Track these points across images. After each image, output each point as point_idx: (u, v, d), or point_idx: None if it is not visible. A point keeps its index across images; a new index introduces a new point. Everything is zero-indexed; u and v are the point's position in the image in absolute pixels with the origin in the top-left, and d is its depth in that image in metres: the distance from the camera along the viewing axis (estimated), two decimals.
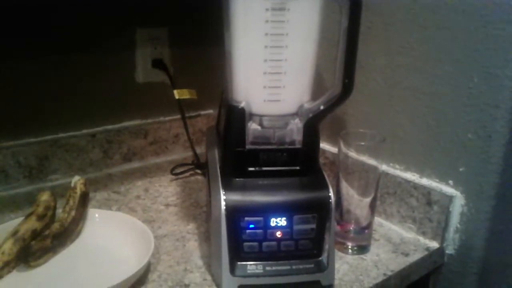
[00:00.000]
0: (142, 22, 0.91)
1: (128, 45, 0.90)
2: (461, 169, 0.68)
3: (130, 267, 0.57)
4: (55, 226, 0.63)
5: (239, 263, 0.57)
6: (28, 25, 0.77)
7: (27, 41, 0.78)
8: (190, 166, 0.92)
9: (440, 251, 0.70)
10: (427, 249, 0.69)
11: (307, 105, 0.59)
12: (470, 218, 0.68)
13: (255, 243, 0.57)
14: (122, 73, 0.91)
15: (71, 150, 0.86)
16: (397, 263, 0.65)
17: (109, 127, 0.91)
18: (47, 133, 0.84)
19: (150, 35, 0.93)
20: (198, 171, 0.91)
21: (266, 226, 0.57)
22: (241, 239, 0.57)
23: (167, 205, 0.79)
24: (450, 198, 0.68)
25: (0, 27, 0.75)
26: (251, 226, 0.57)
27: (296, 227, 0.58)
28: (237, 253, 0.57)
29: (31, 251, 0.58)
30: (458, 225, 0.69)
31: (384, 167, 0.76)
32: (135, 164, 0.94)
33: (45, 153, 0.83)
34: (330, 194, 0.59)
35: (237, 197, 0.57)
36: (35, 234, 0.61)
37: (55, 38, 0.81)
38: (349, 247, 0.68)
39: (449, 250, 0.70)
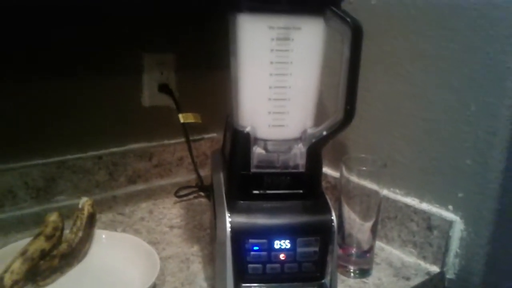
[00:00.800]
0: (149, 48, 0.93)
1: (135, 70, 0.93)
2: (460, 195, 0.69)
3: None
4: (63, 246, 0.64)
5: (243, 284, 0.58)
6: (35, 46, 0.80)
7: (35, 63, 0.80)
8: (194, 189, 0.93)
9: (441, 275, 0.71)
10: (428, 273, 0.70)
11: (310, 131, 0.61)
12: (470, 243, 0.69)
13: (259, 265, 0.58)
14: (129, 97, 0.93)
15: (77, 171, 0.87)
16: (398, 287, 0.66)
17: (115, 149, 0.92)
18: (54, 154, 0.85)
19: (157, 60, 0.95)
20: (202, 193, 0.93)
21: (270, 248, 0.58)
22: (246, 260, 0.58)
23: (171, 227, 0.80)
24: (450, 223, 0.69)
25: (7, 50, 0.77)
26: (256, 248, 0.58)
27: (299, 250, 0.59)
28: (242, 275, 0.58)
29: (40, 270, 0.59)
30: (458, 250, 0.70)
31: (384, 192, 0.77)
32: (140, 186, 0.95)
33: (52, 175, 0.85)
34: (332, 217, 0.60)
35: (242, 219, 0.59)
36: (44, 254, 0.62)
37: (63, 61, 0.83)
38: (351, 270, 0.69)
39: (450, 274, 0.71)
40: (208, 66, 1.00)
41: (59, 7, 0.80)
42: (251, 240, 0.58)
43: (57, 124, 0.85)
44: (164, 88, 0.96)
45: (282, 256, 0.59)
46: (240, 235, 0.58)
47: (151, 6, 0.90)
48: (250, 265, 0.58)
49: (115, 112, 0.92)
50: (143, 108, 0.95)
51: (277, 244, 0.59)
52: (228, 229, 0.58)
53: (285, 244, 0.59)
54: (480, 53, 0.65)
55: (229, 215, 0.58)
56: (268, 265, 0.58)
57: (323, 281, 0.60)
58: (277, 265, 0.59)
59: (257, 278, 0.58)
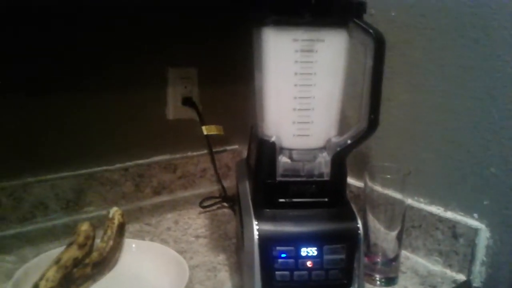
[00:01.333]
0: (173, 63, 0.96)
1: (160, 84, 0.96)
2: (485, 202, 0.69)
3: None
4: (94, 255, 0.66)
5: None
6: (66, 63, 0.83)
7: (69, 78, 0.83)
8: (218, 199, 0.95)
9: (467, 284, 0.70)
10: (454, 281, 0.70)
11: (334, 140, 0.62)
12: (496, 251, 0.69)
13: (287, 272, 0.59)
14: (154, 111, 0.96)
15: (105, 183, 0.90)
16: None
17: (141, 161, 0.95)
18: (83, 167, 0.88)
19: (181, 74, 0.98)
20: (225, 204, 0.94)
21: (297, 255, 0.59)
22: (273, 268, 0.59)
23: (197, 237, 0.81)
24: (476, 231, 0.69)
25: (42, 66, 0.81)
26: (283, 255, 0.59)
27: (326, 257, 0.60)
28: (270, 282, 0.59)
29: (73, 278, 0.61)
30: (484, 258, 0.70)
31: (409, 201, 0.77)
32: (165, 197, 0.98)
33: (81, 186, 0.87)
34: (358, 225, 0.61)
35: (269, 227, 0.60)
36: (77, 262, 0.63)
37: (91, 78, 0.86)
38: (377, 279, 0.69)
39: (476, 283, 0.71)
40: (230, 79, 1.03)
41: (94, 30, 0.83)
42: (278, 248, 0.59)
43: (86, 138, 0.88)
44: (187, 102, 0.99)
45: (309, 264, 0.59)
46: (267, 243, 0.59)
47: (176, 22, 0.93)
48: (278, 272, 0.59)
49: (140, 125, 0.94)
50: (168, 121, 0.98)
51: (304, 251, 0.59)
52: (256, 236, 0.59)
53: (312, 251, 0.59)
54: (501, 61, 0.65)
55: (256, 223, 0.60)
56: (296, 272, 0.59)
57: None
58: (305, 272, 0.59)
59: (285, 285, 0.59)
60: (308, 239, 0.60)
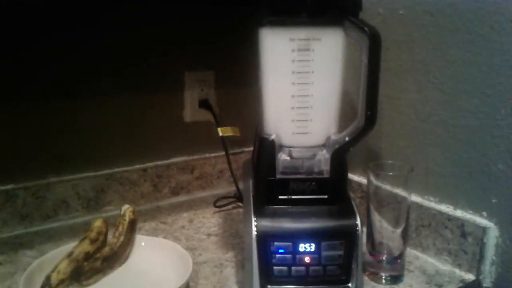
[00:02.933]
0: (190, 67, 0.99)
1: (178, 88, 0.99)
2: (494, 200, 0.68)
3: None
4: (106, 249, 0.69)
5: (269, 286, 0.60)
6: (88, 66, 0.87)
7: (87, 84, 0.88)
8: (232, 199, 0.97)
9: (477, 283, 0.69)
10: (462, 281, 0.69)
11: (333, 137, 0.63)
12: (506, 250, 0.67)
13: (285, 268, 0.60)
14: (172, 113, 0.99)
15: (124, 183, 0.94)
16: None
17: (159, 162, 0.98)
18: (103, 167, 0.92)
19: (198, 78, 1.01)
20: (240, 204, 0.96)
21: (295, 251, 0.60)
22: (271, 263, 0.60)
23: (208, 235, 0.83)
24: (484, 230, 0.68)
25: (66, 69, 0.85)
26: (281, 250, 0.60)
27: (324, 253, 0.60)
28: (268, 277, 0.60)
29: (84, 271, 0.64)
30: (494, 257, 0.68)
31: (418, 199, 0.77)
32: (182, 198, 1.00)
33: (101, 186, 0.91)
34: (357, 222, 0.61)
35: (267, 223, 0.61)
36: (88, 256, 0.67)
37: (112, 81, 0.90)
38: (382, 277, 0.69)
39: (486, 283, 0.69)
40: (246, 81, 1.04)
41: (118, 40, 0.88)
42: (276, 243, 0.60)
43: (106, 140, 0.92)
44: (204, 104, 1.02)
45: (307, 259, 0.60)
46: (265, 238, 0.60)
47: (192, 26, 0.96)
48: (276, 268, 0.60)
49: (159, 127, 0.98)
50: (185, 124, 1.01)
51: (301, 247, 0.60)
52: (254, 232, 0.60)
53: (310, 247, 0.60)
54: (507, 56, 0.64)
55: (255, 219, 0.61)
56: (294, 268, 0.60)
57: (348, 284, 0.60)
58: (302, 268, 0.60)
59: (283, 280, 0.60)
60: (306, 235, 0.61)
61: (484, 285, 0.69)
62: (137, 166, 0.96)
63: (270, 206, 0.63)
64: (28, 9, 0.79)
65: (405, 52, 0.78)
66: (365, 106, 0.59)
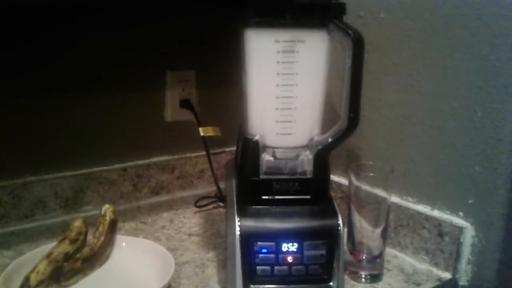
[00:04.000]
0: (172, 66, 0.98)
1: (159, 87, 0.98)
2: (470, 201, 0.70)
3: None
4: (86, 250, 0.68)
5: (252, 286, 0.60)
6: (66, 65, 0.86)
7: (65, 82, 0.86)
8: (213, 199, 0.97)
9: (453, 282, 0.71)
10: (439, 279, 0.70)
11: (316, 138, 0.64)
12: (481, 249, 0.69)
13: (268, 267, 0.61)
14: (153, 113, 0.98)
15: (103, 183, 0.93)
16: None
17: (139, 162, 0.97)
18: (82, 167, 0.91)
19: (179, 77, 1.00)
20: (221, 203, 0.96)
21: (278, 251, 0.61)
22: (254, 263, 0.60)
23: (189, 235, 0.83)
24: (460, 229, 0.70)
25: (42, 68, 0.84)
26: (264, 250, 0.61)
27: (306, 253, 0.61)
28: (251, 276, 0.60)
29: (63, 272, 0.64)
30: (470, 256, 0.70)
31: (397, 200, 0.78)
32: (163, 197, 1.00)
33: (80, 186, 0.90)
34: (339, 221, 0.62)
35: (251, 223, 0.61)
36: (67, 257, 0.66)
37: (91, 80, 0.89)
38: (362, 276, 0.70)
39: (462, 281, 0.71)
40: (228, 81, 1.04)
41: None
42: (259, 243, 0.61)
43: (85, 139, 0.90)
44: (185, 104, 1.01)
45: (289, 259, 0.61)
46: (248, 238, 0.60)
47: (174, 25, 0.96)
48: (259, 267, 0.60)
49: (139, 127, 0.97)
50: (166, 123, 1.00)
51: (284, 247, 0.61)
52: (238, 232, 0.60)
53: (293, 247, 0.61)
54: (485, 60, 0.66)
55: (238, 219, 0.61)
56: (276, 267, 0.61)
57: (330, 283, 0.61)
58: (285, 267, 0.61)
59: (266, 279, 0.61)
60: (289, 235, 0.61)
61: (460, 283, 0.71)
62: (117, 165, 0.95)
63: (253, 206, 0.63)
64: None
65: (386, 55, 0.79)
66: (348, 108, 0.60)
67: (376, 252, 0.70)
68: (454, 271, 0.71)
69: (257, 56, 0.62)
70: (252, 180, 0.64)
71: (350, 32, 0.58)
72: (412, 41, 0.76)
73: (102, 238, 0.70)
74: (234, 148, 1.09)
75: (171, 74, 0.99)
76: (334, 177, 0.90)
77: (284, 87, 0.62)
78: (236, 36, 0.67)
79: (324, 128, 0.65)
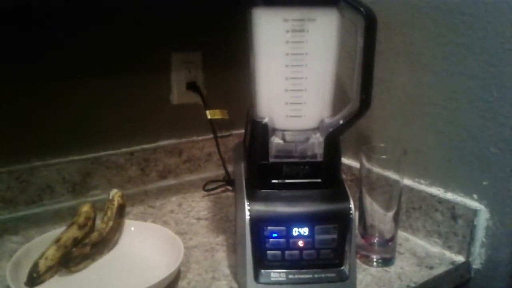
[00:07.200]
0: (177, 48, 0.97)
1: (164, 69, 0.97)
2: (484, 183, 0.68)
3: (162, 273, 0.60)
4: (94, 235, 0.68)
5: (263, 270, 0.60)
6: (72, 49, 0.84)
7: (71, 66, 0.85)
8: (221, 183, 0.96)
9: (466, 265, 0.70)
10: (453, 263, 0.69)
11: (327, 120, 0.62)
12: (496, 232, 0.68)
13: (278, 252, 0.60)
14: (159, 96, 0.97)
15: (111, 167, 0.92)
16: (420, 276, 0.66)
17: (146, 146, 0.96)
18: (89, 151, 0.90)
19: (185, 59, 0.99)
20: (229, 187, 0.95)
21: (288, 235, 0.60)
22: (265, 247, 0.59)
23: (198, 219, 0.82)
24: (475, 212, 0.68)
25: (48, 52, 0.82)
26: (274, 235, 0.60)
27: (317, 237, 0.60)
28: (261, 261, 0.59)
29: (72, 257, 0.63)
30: (484, 239, 0.69)
31: (409, 182, 0.77)
32: (170, 181, 0.99)
33: (88, 170, 0.89)
34: (350, 205, 0.61)
35: (261, 207, 0.60)
36: (76, 242, 0.65)
37: (97, 63, 0.88)
38: (374, 259, 0.69)
39: (476, 264, 0.70)
40: (235, 63, 1.03)
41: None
42: (269, 228, 0.60)
43: (92, 123, 0.89)
44: (192, 86, 1.00)
45: (300, 243, 0.60)
46: (258, 223, 0.59)
47: (179, 7, 0.93)
48: (269, 252, 0.60)
49: (146, 110, 0.95)
50: (173, 106, 0.99)
51: (295, 231, 0.60)
52: (247, 217, 0.59)
53: (303, 231, 0.60)
54: (500, 38, 0.64)
55: (248, 203, 0.60)
56: (287, 252, 0.60)
57: (342, 268, 0.60)
58: (296, 252, 0.60)
59: (276, 264, 0.60)
60: (299, 219, 0.60)
61: (474, 266, 0.70)
62: (124, 149, 0.94)
63: (263, 190, 0.62)
64: None
65: (396, 34, 0.77)
66: (360, 89, 0.58)
67: (388, 236, 0.69)
68: (468, 254, 0.70)
69: (265, 36, 0.60)
70: (261, 164, 0.62)
71: (362, 9, 0.56)
72: (424, 19, 0.73)
73: (110, 223, 0.69)
74: (242, 131, 1.07)
75: (177, 56, 0.97)
76: (344, 160, 0.88)
77: (293, 68, 0.60)
78: (243, 15, 0.65)
79: (334, 109, 0.64)
